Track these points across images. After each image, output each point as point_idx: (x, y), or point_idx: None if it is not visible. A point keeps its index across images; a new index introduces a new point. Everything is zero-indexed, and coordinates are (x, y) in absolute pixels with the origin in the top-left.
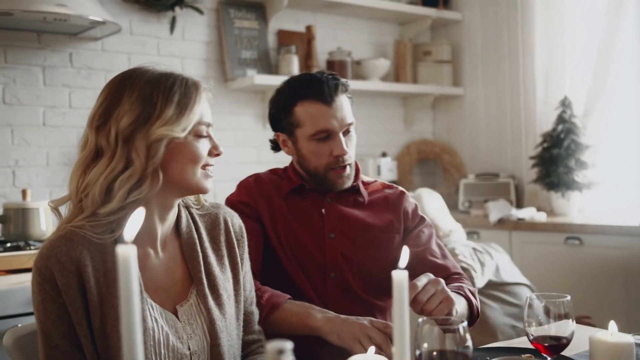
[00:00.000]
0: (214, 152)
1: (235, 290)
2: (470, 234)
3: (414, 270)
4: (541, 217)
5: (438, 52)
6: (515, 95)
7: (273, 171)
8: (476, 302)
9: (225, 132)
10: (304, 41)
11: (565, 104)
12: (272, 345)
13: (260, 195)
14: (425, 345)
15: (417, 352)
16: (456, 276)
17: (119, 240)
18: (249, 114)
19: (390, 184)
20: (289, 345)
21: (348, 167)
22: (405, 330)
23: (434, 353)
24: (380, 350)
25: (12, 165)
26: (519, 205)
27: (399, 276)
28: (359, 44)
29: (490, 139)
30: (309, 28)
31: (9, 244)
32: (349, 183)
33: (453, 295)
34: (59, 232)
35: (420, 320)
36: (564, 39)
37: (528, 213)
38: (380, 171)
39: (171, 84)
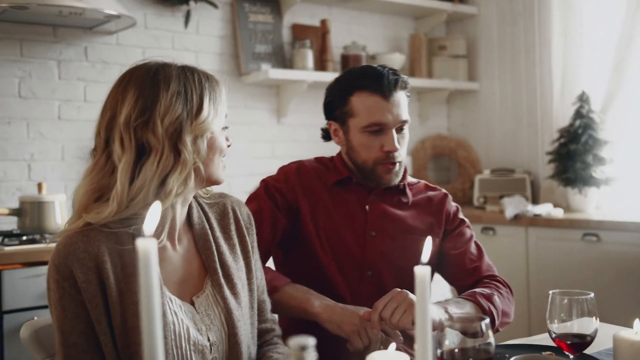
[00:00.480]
0: (227, 143)
1: (248, 279)
2: (486, 230)
3: (449, 274)
4: (558, 213)
5: (453, 47)
6: (532, 90)
7: (319, 160)
8: (489, 305)
9: (239, 126)
10: (319, 35)
11: (582, 99)
12: (295, 342)
13: (300, 184)
14: (447, 342)
15: (439, 351)
16: (487, 280)
17: (139, 233)
18: (263, 108)
19: (434, 185)
20: (311, 341)
21: (397, 164)
22: (428, 328)
23: (456, 351)
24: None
25: (28, 159)
26: (535, 201)
27: (421, 272)
28: (373, 38)
29: (506, 134)
30: (323, 22)
31: (24, 237)
32: (396, 180)
33: (455, 301)
34: (73, 229)
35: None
36: (582, 34)
37: (545, 209)
38: None
39: (198, 78)
